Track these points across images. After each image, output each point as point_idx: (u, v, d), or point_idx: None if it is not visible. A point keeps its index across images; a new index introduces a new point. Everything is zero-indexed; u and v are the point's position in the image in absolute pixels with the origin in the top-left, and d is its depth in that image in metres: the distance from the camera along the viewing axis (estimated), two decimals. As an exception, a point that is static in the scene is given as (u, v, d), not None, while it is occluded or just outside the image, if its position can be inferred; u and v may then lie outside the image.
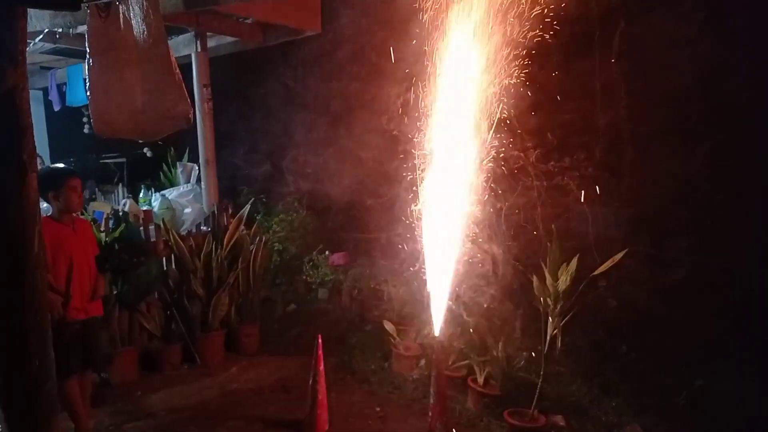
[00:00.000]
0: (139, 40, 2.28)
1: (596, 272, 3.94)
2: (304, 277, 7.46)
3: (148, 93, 2.32)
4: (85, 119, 8.28)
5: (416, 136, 3.85)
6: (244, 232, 5.71)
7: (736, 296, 4.74)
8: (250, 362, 5.35)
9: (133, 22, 2.26)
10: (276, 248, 7.58)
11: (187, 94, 2.41)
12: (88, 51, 2.41)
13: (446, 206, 3.70)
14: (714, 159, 5.06)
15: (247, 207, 5.85)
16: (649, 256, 4.86)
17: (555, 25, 3.69)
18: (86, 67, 2.36)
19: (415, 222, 4.04)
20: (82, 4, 2.20)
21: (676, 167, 5.19)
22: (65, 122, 8.61)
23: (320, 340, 4.14)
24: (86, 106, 7.68)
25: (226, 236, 5.46)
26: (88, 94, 2.38)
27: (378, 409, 4.46)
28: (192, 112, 2.44)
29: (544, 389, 4.13)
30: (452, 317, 4.79)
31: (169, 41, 6.16)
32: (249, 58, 7.59)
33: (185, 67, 6.20)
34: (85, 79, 7.33)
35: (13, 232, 2.11)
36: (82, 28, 5.45)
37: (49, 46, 6.28)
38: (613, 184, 5.18)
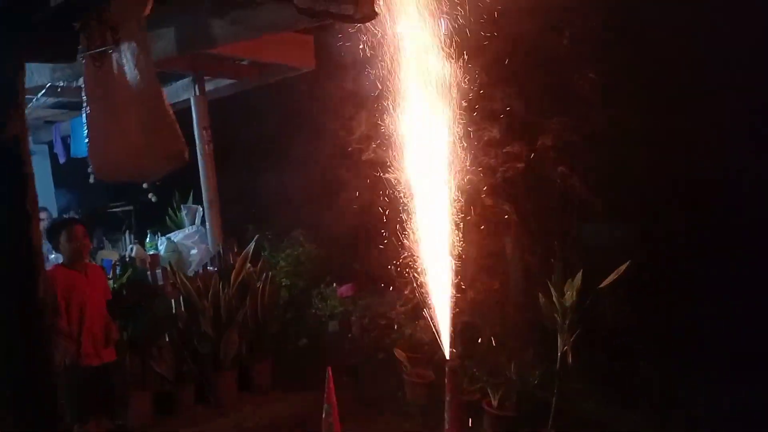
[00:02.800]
0: (133, 84, 2.36)
1: (602, 285, 3.94)
2: (314, 311, 7.45)
3: (144, 135, 2.39)
4: (89, 169, 8.41)
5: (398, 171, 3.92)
6: (251, 269, 5.74)
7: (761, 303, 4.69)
8: (264, 399, 5.31)
9: (126, 68, 2.35)
10: (284, 283, 7.59)
11: (181, 133, 2.49)
12: (85, 99, 2.50)
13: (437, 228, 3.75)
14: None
15: (252, 244, 5.90)
16: (655, 264, 4.84)
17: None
18: (84, 114, 2.45)
19: (414, 249, 4.07)
20: (78, 56, 2.31)
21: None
22: (71, 174, 8.75)
23: (330, 373, 4.12)
24: (91, 156, 7.85)
25: (233, 275, 5.49)
26: (87, 140, 2.46)
27: (393, 439, 4.42)
28: (187, 150, 2.52)
29: (562, 407, 4.08)
30: (462, 340, 4.77)
31: (168, 86, 6.36)
32: (248, 98, 7.73)
33: (185, 111, 6.35)
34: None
35: (20, 278, 2.15)
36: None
37: (52, 100, 6.46)
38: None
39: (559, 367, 4.01)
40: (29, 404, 2.15)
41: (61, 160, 8.01)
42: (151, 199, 7.97)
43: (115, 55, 2.31)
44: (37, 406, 2.16)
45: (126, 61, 2.28)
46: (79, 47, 2.25)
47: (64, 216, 4.23)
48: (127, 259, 5.36)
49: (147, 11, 2.34)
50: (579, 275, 3.96)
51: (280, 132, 8.94)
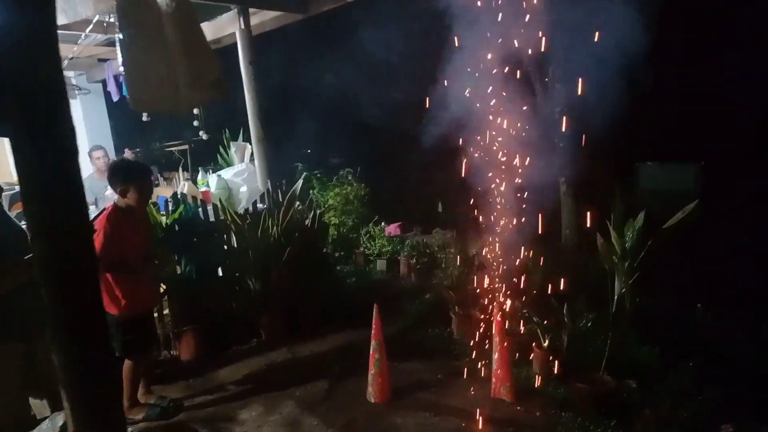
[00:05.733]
0: (164, 7, 2.23)
1: (666, 225, 3.68)
2: (362, 249, 7.48)
3: (178, 62, 2.27)
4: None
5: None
6: (300, 207, 5.72)
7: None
8: (312, 335, 5.38)
9: (157, -10, 2.23)
10: (332, 222, 7.61)
11: (217, 60, 2.35)
12: (118, 27, 2.39)
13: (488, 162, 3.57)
14: None
15: (299, 182, 5.86)
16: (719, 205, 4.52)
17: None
18: (117, 44, 2.35)
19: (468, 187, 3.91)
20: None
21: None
22: (125, 112, 8.87)
23: (377, 310, 4.10)
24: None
25: (281, 212, 5.48)
26: (122, 70, 2.37)
27: (440, 376, 4.40)
28: (225, 80, 2.39)
29: (614, 352, 3.94)
30: (513, 281, 4.65)
31: (212, 20, 6.22)
32: (294, 32, 7.53)
33: (231, 47, 6.24)
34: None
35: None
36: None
37: (102, 36, 6.46)
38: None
39: (615, 310, 3.84)
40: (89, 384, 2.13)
41: (115, 98, 8.07)
42: (202, 137, 8.03)
43: (145, -23, 2.19)
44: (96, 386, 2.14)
45: (156, -19, 2.16)
46: (110, -31, 2.14)
47: (139, 163, 4.00)
48: (179, 196, 5.41)
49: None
50: (641, 215, 3.71)
51: (331, 69, 8.77)
